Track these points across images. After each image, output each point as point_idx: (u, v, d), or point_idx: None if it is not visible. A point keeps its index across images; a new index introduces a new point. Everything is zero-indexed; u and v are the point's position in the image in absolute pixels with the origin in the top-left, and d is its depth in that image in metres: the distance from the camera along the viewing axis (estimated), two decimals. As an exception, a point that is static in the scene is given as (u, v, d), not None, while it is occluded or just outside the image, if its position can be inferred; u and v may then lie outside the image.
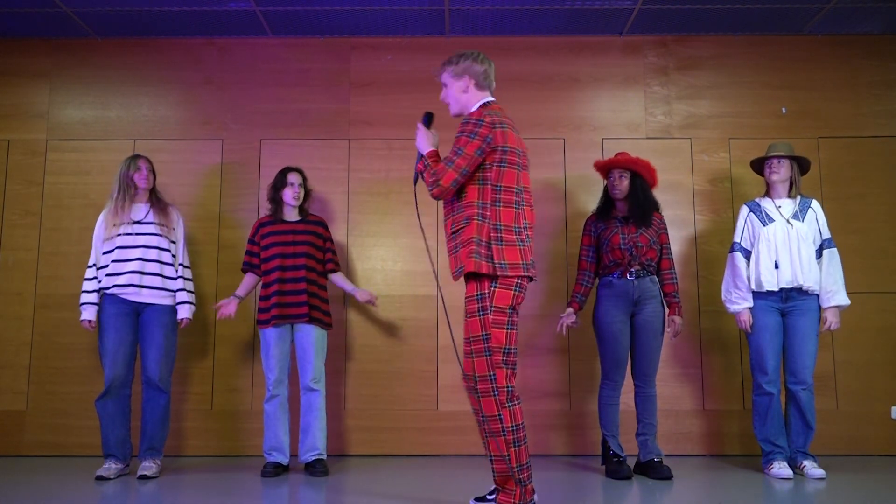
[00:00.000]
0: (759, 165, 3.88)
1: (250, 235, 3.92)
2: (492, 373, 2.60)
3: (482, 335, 2.62)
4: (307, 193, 3.96)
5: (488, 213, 2.68)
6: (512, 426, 2.59)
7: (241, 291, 3.88)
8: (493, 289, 2.64)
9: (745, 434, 4.23)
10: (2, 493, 3.24)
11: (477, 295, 2.64)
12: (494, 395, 2.59)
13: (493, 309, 2.63)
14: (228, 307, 3.82)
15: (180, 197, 4.39)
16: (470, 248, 2.65)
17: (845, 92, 4.55)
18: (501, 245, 2.65)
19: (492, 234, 2.66)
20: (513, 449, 2.59)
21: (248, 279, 3.89)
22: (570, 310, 3.76)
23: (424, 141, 2.83)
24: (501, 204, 2.70)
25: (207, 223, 4.44)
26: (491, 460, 2.69)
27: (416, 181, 2.93)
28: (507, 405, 2.60)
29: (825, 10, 4.30)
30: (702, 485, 3.49)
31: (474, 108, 2.80)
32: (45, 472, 3.73)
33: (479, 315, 2.63)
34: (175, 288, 3.75)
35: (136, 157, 3.81)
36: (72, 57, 4.61)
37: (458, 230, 2.70)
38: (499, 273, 2.63)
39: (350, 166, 4.51)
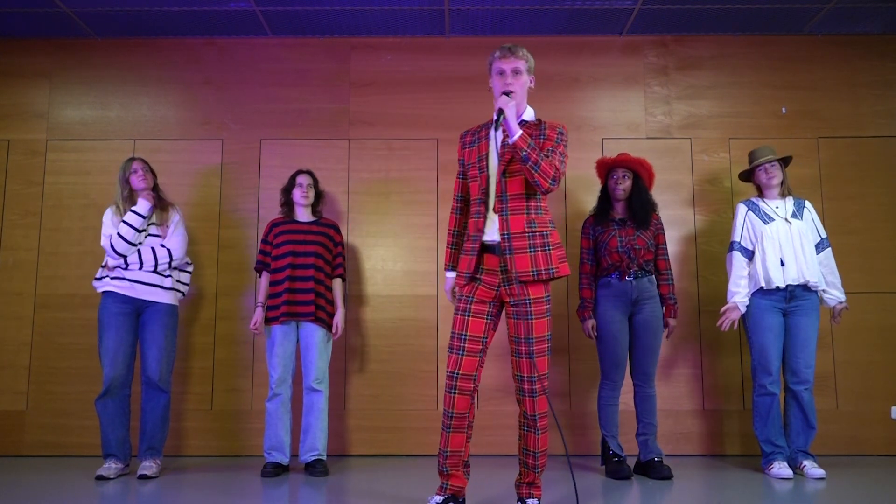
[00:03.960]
0: (748, 174, 3.90)
1: (263, 235, 3.93)
2: (548, 371, 2.74)
3: (547, 336, 2.72)
4: (319, 195, 3.98)
5: None
6: None
7: (262, 298, 3.86)
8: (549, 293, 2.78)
9: (744, 434, 4.23)
10: (2, 493, 3.24)
11: (545, 297, 2.73)
12: (546, 392, 2.73)
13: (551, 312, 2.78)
14: (257, 317, 3.81)
15: (180, 197, 4.39)
16: (561, 252, 2.76)
17: (845, 92, 4.55)
18: None
19: None
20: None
21: (264, 280, 3.89)
22: (592, 322, 3.74)
23: (515, 119, 2.67)
24: None
25: (207, 223, 4.44)
26: (536, 456, 2.76)
27: (499, 121, 2.67)
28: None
29: (825, 10, 4.30)
30: (702, 485, 3.49)
31: (531, 112, 2.85)
32: (45, 472, 3.72)
33: (548, 316, 2.73)
34: (169, 285, 3.75)
35: (129, 161, 3.79)
36: (72, 57, 4.61)
37: (544, 231, 2.73)
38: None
39: (350, 166, 4.51)
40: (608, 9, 4.29)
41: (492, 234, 2.74)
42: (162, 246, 3.70)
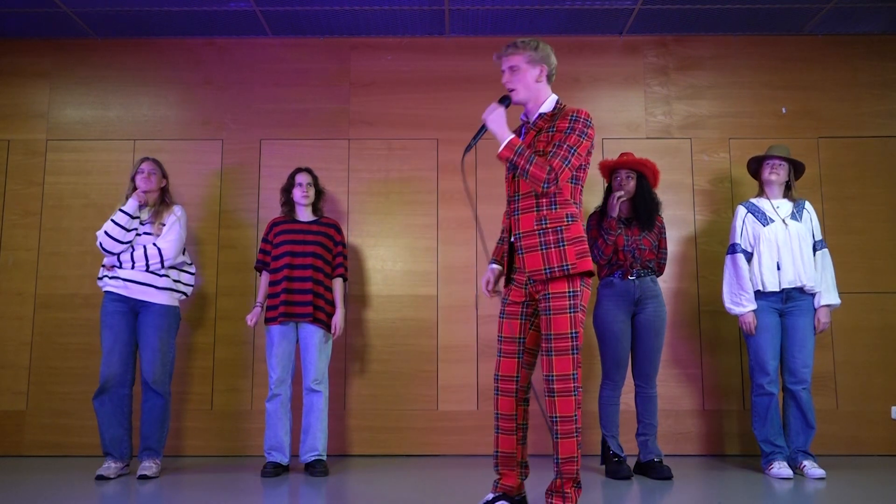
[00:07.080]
0: (755, 166, 3.89)
1: (264, 235, 3.93)
2: (574, 372, 2.56)
3: (570, 333, 2.58)
4: (319, 193, 3.98)
5: (580, 214, 2.71)
6: (580, 427, 2.60)
7: (260, 297, 3.87)
8: (582, 288, 2.64)
9: (744, 434, 4.23)
10: (2, 493, 3.25)
11: (569, 292, 2.60)
12: (574, 395, 2.56)
13: (581, 307, 2.62)
14: (255, 315, 3.82)
15: (180, 197, 4.37)
16: (581, 246, 2.63)
17: (845, 92, 4.55)
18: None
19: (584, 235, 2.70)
20: (579, 450, 2.59)
21: (264, 280, 3.89)
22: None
23: (505, 126, 2.68)
24: (581, 206, 2.76)
25: (208, 223, 4.44)
26: (557, 462, 2.59)
27: (468, 150, 2.81)
28: (580, 406, 2.59)
29: (825, 10, 4.30)
30: (702, 485, 3.49)
31: (549, 103, 2.79)
32: (45, 472, 3.72)
33: (570, 312, 2.59)
34: (164, 285, 3.74)
35: (141, 160, 3.80)
36: (72, 57, 4.61)
37: (558, 227, 2.63)
38: (592, 273, 2.68)
39: (350, 166, 4.51)
40: (608, 9, 4.29)
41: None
42: (154, 245, 3.70)
